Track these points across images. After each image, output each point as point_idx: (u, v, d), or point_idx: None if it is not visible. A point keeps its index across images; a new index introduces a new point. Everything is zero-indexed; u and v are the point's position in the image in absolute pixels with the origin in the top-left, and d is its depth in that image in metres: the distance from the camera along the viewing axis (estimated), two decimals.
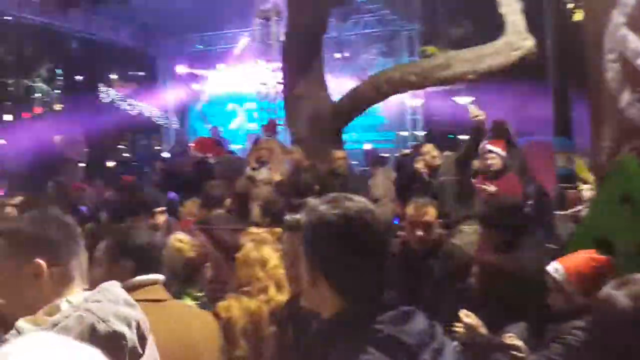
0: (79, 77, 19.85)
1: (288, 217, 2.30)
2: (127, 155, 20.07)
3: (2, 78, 18.74)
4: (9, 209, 5.37)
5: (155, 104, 19.99)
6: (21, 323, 1.61)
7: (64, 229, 1.85)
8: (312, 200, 1.69)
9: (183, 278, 3.22)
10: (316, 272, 1.62)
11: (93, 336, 1.57)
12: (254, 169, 7.81)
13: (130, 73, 20.47)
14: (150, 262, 2.52)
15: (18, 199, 5.74)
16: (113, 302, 1.68)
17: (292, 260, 2.23)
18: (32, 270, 1.75)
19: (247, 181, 6.85)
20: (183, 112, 20.51)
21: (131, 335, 1.63)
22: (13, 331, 1.61)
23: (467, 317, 3.12)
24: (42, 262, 1.76)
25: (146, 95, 19.69)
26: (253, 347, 2.97)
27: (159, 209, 4.85)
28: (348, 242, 1.59)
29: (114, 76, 20.20)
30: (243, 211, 5.93)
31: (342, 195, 1.67)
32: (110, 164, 16.73)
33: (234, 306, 2.91)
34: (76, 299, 1.73)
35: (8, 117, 18.17)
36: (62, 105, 19.27)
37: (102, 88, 19.74)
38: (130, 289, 2.40)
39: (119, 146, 20.46)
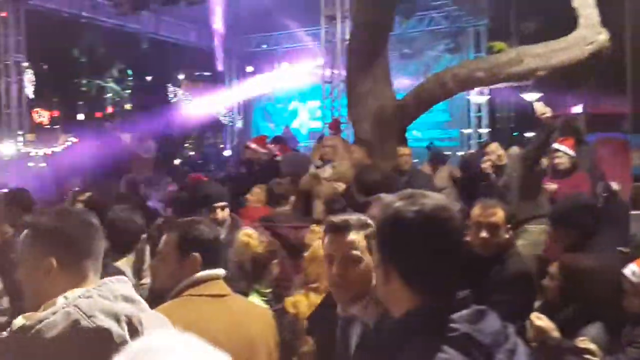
0: (148, 77, 20.44)
1: (334, 217, 2.22)
2: (192, 153, 20.52)
3: (76, 78, 19.51)
4: (78, 205, 5.53)
5: (221, 103, 20.37)
6: (17, 319, 1.65)
7: (85, 227, 1.86)
8: (386, 197, 1.67)
9: (251, 274, 3.25)
10: (390, 269, 1.60)
11: (77, 332, 1.59)
12: (318, 166, 7.82)
13: (197, 73, 20.92)
14: (215, 256, 2.56)
15: (87, 195, 5.90)
16: (106, 298, 1.68)
17: (334, 262, 2.16)
18: (45, 266, 1.78)
19: (311, 179, 6.86)
20: (247, 110, 20.82)
21: (119, 331, 1.63)
22: (8, 328, 1.64)
23: (539, 319, 3.03)
24: (53, 259, 1.78)
25: (212, 95, 20.09)
26: None
27: (220, 204, 4.69)
28: (424, 239, 1.57)
29: (181, 76, 20.70)
30: (307, 208, 5.95)
31: (418, 192, 1.65)
32: (177, 161, 17.12)
33: (302, 302, 2.91)
34: (72, 294, 1.73)
35: (81, 116, 18.91)
36: (132, 105, 19.90)
37: (170, 88, 20.28)
38: (192, 284, 2.45)
39: (186, 144, 20.93)
